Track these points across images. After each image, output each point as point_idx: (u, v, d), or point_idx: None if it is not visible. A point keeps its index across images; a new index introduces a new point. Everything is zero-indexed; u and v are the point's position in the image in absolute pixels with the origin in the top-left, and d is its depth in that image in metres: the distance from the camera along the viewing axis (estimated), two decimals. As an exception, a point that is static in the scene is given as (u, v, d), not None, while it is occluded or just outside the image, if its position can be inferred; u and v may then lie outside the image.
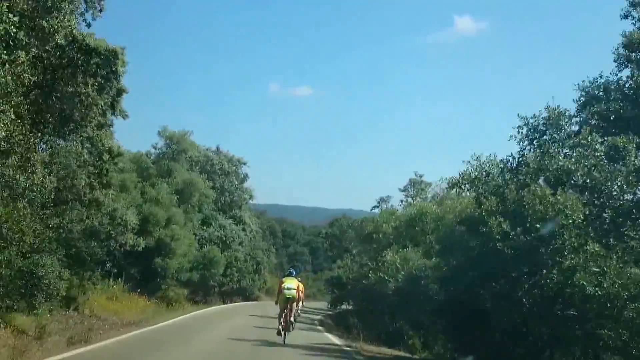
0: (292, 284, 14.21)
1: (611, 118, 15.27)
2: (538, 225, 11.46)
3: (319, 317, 30.98)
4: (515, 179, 12.93)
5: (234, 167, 38.17)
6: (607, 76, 15.86)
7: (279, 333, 14.14)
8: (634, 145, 12.61)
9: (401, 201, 35.86)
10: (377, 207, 36.49)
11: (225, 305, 32.61)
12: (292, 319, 14.33)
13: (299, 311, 15.68)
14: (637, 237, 12.24)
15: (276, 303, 14.51)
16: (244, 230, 37.31)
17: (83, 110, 13.34)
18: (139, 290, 24.57)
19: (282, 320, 14.16)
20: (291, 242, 64.78)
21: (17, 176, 9.88)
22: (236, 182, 38.35)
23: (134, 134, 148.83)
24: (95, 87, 13.48)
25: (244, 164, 39.51)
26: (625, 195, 12.85)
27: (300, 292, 14.54)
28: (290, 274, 14.98)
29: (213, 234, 33.91)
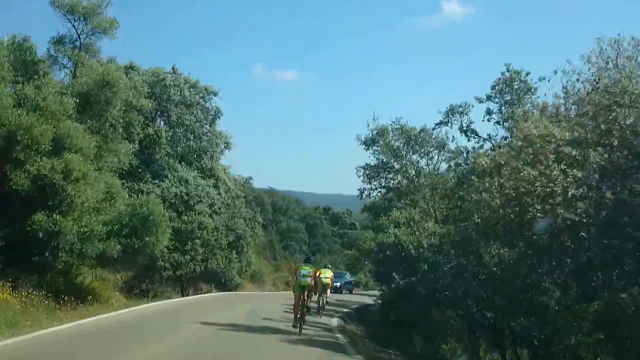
0: (307, 271, 13.76)
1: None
2: None
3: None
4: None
5: (200, 97, 26.02)
6: None
7: (294, 325, 13.50)
8: None
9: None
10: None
11: (183, 298, 20.97)
12: (323, 302, 17.13)
13: (327, 298, 18.77)
14: None
15: (293, 291, 13.88)
16: (216, 187, 25.49)
17: None
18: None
19: (297, 310, 13.53)
20: (283, 218, 52.79)
21: None
22: (202, 119, 26.23)
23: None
24: None
25: (215, 94, 27.14)
26: None
27: (331, 279, 17.91)
28: (307, 260, 14.65)
29: (168, 191, 22.16)
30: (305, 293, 13.47)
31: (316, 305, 16.96)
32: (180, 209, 22.02)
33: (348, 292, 38.90)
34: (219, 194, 25.24)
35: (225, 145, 28.88)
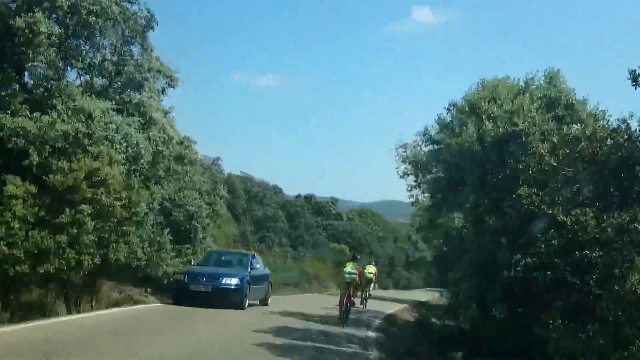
0: (353, 269, 14.76)
1: None
2: None
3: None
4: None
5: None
6: None
7: (339, 318, 14.46)
8: None
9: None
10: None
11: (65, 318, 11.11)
12: (367, 295, 20.07)
13: (370, 292, 21.73)
14: None
15: (338, 287, 16.36)
16: (145, 129, 15.33)
17: None
18: None
19: (342, 305, 14.43)
20: (259, 207, 43.00)
21: None
22: (125, 29, 16.07)
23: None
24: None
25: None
26: None
27: (373, 275, 21.14)
28: (353, 259, 16.05)
29: (51, 127, 12.22)
30: (351, 289, 14.73)
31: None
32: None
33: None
34: (150, 140, 15.32)
35: (168, 81, 18.90)
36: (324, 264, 40.85)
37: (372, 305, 22.41)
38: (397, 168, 19.74)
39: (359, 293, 19.26)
